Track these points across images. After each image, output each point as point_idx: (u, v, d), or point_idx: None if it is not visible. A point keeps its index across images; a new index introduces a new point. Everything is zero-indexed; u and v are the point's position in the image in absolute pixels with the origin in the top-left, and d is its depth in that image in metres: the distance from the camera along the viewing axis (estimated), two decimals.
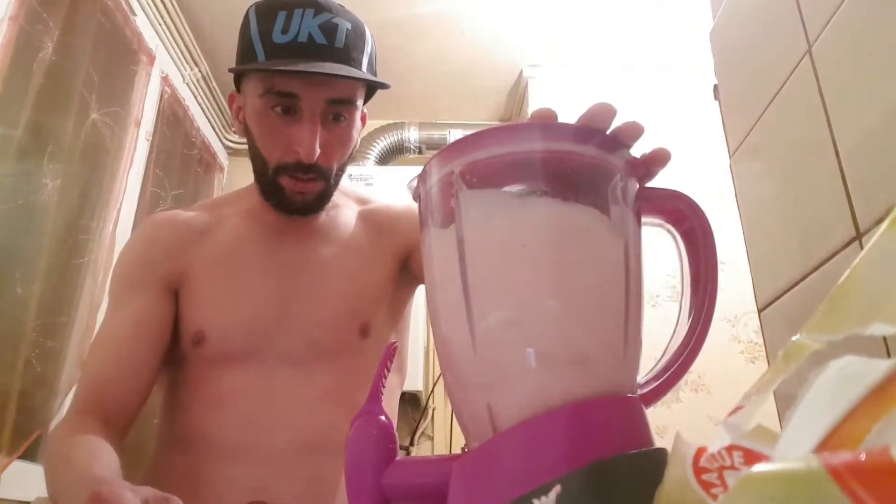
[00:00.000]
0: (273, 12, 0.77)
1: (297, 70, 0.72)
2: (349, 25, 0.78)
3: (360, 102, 0.79)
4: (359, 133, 0.82)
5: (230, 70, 0.83)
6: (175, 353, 0.78)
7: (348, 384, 0.77)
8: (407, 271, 0.86)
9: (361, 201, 0.92)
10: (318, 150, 0.74)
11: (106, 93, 1.67)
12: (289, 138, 0.74)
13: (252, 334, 0.76)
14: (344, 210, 0.88)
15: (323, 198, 0.79)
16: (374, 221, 0.87)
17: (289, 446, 0.74)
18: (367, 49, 0.80)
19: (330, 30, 0.76)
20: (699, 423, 1.79)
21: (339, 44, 0.75)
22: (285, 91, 0.74)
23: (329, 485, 0.75)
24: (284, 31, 0.75)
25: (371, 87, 0.81)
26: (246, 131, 0.81)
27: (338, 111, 0.76)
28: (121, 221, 1.72)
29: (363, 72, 0.78)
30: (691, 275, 0.37)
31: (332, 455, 0.74)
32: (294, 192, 0.77)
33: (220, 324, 0.76)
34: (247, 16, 0.84)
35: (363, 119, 0.85)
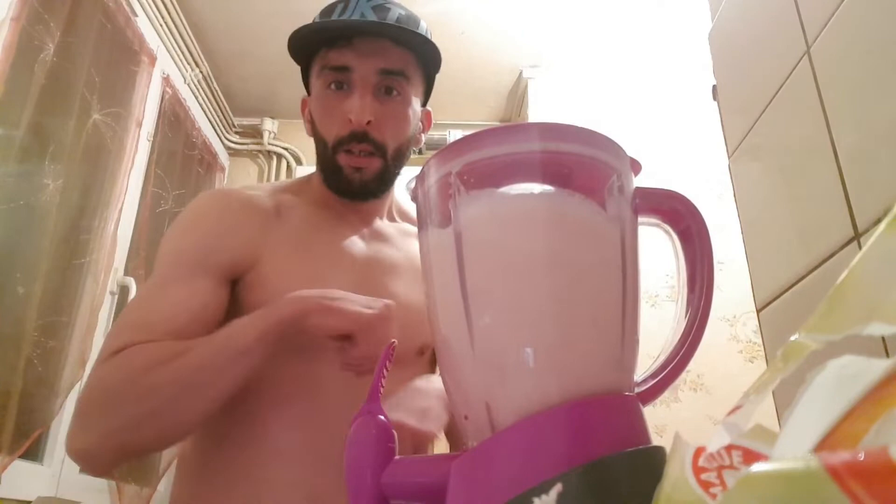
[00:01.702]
0: (331, 7, 0.80)
1: (342, 25, 0.74)
2: (403, 11, 0.79)
3: (415, 80, 0.80)
4: (417, 119, 0.82)
5: (296, 60, 0.83)
6: None
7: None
8: None
9: (408, 216, 0.92)
10: (368, 116, 0.75)
11: (107, 93, 1.67)
12: (343, 112, 0.76)
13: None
14: (408, 228, 0.88)
15: (381, 179, 0.79)
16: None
17: (334, 449, 0.71)
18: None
19: (382, 9, 0.77)
20: (698, 423, 1.79)
21: (391, 21, 0.77)
22: (338, 64, 0.76)
23: None
24: (339, 16, 0.77)
25: (429, 82, 0.84)
26: (312, 126, 0.82)
27: (390, 83, 0.77)
28: (122, 222, 1.72)
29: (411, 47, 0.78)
30: (688, 274, 0.37)
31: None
32: (351, 168, 0.77)
33: None
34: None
35: (428, 118, 0.87)
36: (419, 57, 0.81)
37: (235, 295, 0.75)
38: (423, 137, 0.87)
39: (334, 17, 0.77)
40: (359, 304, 0.65)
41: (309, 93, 0.84)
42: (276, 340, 0.64)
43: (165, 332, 0.67)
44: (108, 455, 0.68)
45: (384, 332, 0.64)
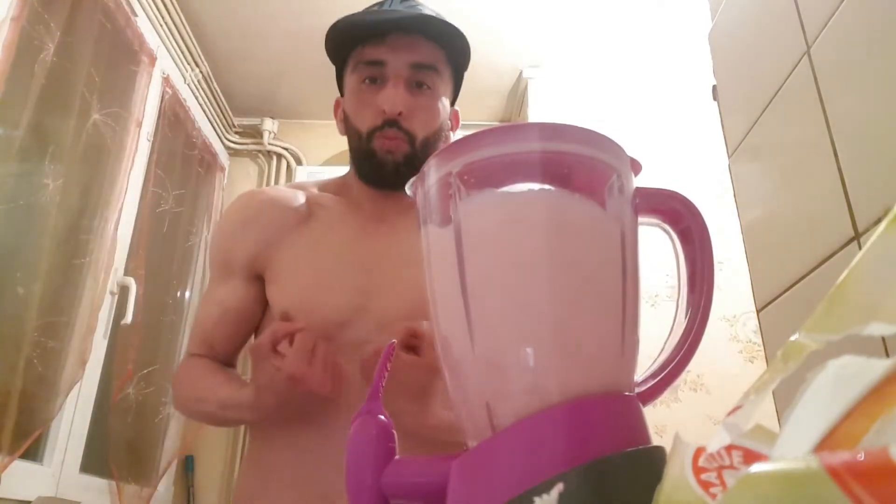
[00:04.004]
0: (368, 9, 0.85)
1: (377, 21, 0.80)
2: (434, 11, 0.84)
3: (445, 77, 0.85)
4: (446, 114, 0.86)
5: (332, 59, 0.89)
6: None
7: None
8: None
9: None
10: (400, 107, 0.79)
11: (107, 93, 1.67)
12: (376, 103, 0.80)
13: (332, 322, 0.77)
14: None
15: (411, 165, 0.81)
16: None
17: None
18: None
19: (413, 8, 0.82)
20: (698, 423, 1.79)
21: (431, 14, 0.81)
22: (372, 59, 0.81)
23: None
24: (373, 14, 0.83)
25: (457, 80, 0.88)
26: (345, 124, 0.86)
27: (421, 78, 0.82)
28: (122, 222, 1.72)
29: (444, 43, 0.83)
30: (688, 274, 0.37)
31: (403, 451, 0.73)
32: (383, 151, 0.80)
33: (306, 307, 0.77)
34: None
35: (456, 118, 0.90)
36: (449, 53, 0.84)
37: (266, 288, 0.84)
38: (452, 136, 0.89)
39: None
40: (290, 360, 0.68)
41: (342, 93, 0.88)
42: (271, 413, 0.75)
43: (203, 339, 0.86)
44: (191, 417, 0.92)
45: (319, 351, 0.68)
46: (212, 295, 0.86)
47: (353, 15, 0.82)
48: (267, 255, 0.82)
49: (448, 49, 0.84)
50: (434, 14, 0.82)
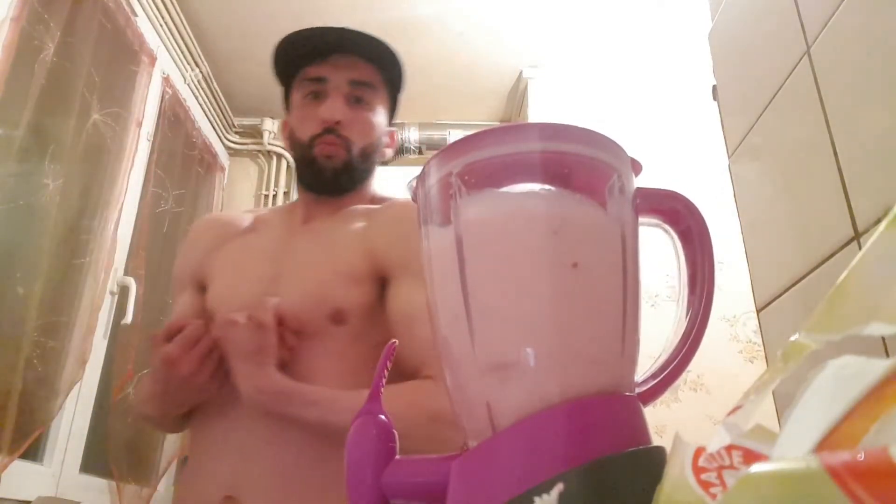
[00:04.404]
0: (309, 28, 0.94)
1: (315, 33, 0.89)
2: (373, 34, 0.91)
3: (381, 95, 0.93)
4: (382, 129, 0.93)
5: (280, 80, 0.97)
6: None
7: (318, 367, 0.79)
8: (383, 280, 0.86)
9: (378, 201, 0.96)
10: (339, 116, 0.87)
11: (107, 93, 1.67)
12: (318, 115, 0.88)
13: (243, 309, 0.81)
14: (357, 209, 0.93)
15: (348, 172, 0.89)
16: (369, 217, 0.90)
17: (255, 433, 0.77)
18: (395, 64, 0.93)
19: (354, 29, 0.91)
20: (698, 423, 1.79)
21: (366, 34, 0.90)
22: (315, 76, 0.90)
23: (290, 475, 0.75)
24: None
25: (393, 101, 0.97)
26: (290, 139, 0.94)
27: (359, 93, 0.90)
28: (122, 222, 1.72)
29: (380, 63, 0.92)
30: (688, 274, 0.37)
31: (295, 443, 0.75)
32: (323, 156, 0.88)
33: (223, 302, 0.85)
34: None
35: (392, 137, 0.99)
36: (385, 74, 0.93)
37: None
38: (389, 153, 0.98)
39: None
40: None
41: (289, 111, 0.96)
42: (165, 404, 0.83)
43: None
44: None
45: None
46: (172, 311, 0.94)
47: (297, 33, 0.90)
48: (205, 267, 0.90)
49: (384, 70, 0.93)
50: (372, 36, 0.90)
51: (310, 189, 0.92)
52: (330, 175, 0.88)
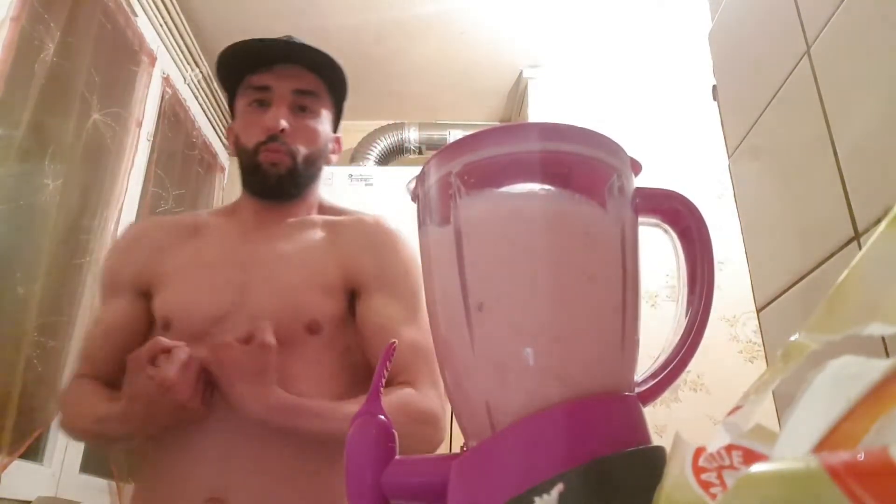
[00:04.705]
0: (253, 39, 0.94)
1: (260, 44, 0.90)
2: (316, 47, 0.92)
3: (326, 103, 0.94)
4: (327, 136, 0.95)
5: (224, 87, 0.98)
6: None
7: (291, 375, 0.79)
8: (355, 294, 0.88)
9: (338, 212, 0.99)
10: (283, 123, 0.88)
11: (107, 93, 1.67)
12: (263, 122, 0.89)
13: (209, 319, 0.82)
14: (314, 219, 0.96)
15: (293, 178, 0.90)
16: (334, 229, 0.93)
17: (236, 437, 0.77)
18: (338, 74, 0.94)
19: (298, 41, 0.93)
20: (698, 423, 1.79)
21: (308, 45, 0.91)
22: (259, 84, 0.91)
23: (275, 474, 0.77)
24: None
25: (338, 109, 0.98)
26: (236, 143, 0.94)
27: (303, 102, 0.91)
28: (122, 221, 1.72)
29: (324, 74, 0.92)
30: (688, 274, 0.37)
31: (276, 444, 0.76)
32: (268, 163, 0.89)
33: (184, 309, 0.84)
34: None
35: (338, 143, 1.00)
36: (328, 83, 0.95)
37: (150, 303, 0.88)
38: (335, 158, 0.99)
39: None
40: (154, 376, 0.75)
41: (234, 118, 0.97)
42: (140, 425, 0.79)
43: (87, 358, 0.88)
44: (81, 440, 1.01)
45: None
46: (99, 316, 0.91)
47: (241, 43, 0.91)
48: (151, 270, 0.88)
49: (327, 80, 0.94)
50: (315, 48, 0.91)
51: (256, 195, 0.93)
52: (275, 181, 0.89)
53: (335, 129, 0.99)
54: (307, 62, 0.92)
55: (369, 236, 0.91)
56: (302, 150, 0.90)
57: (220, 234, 0.92)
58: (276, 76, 0.91)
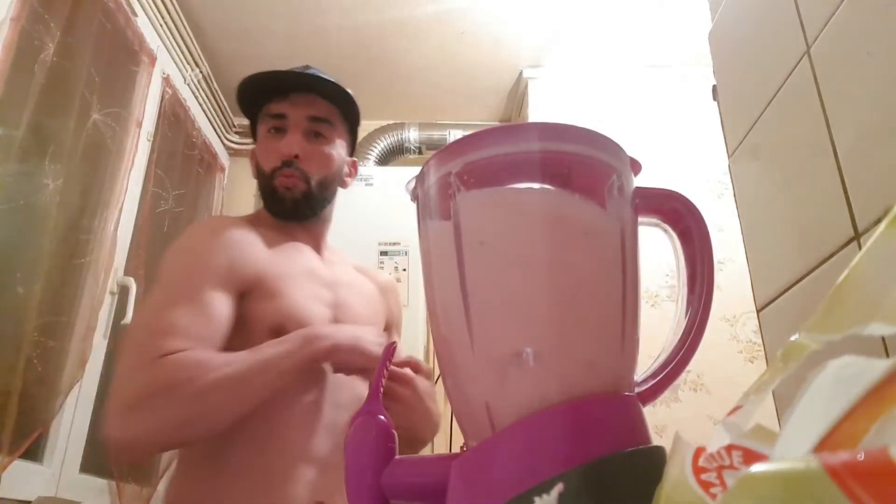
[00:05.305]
0: (274, 71, 0.98)
1: (279, 75, 0.95)
2: (333, 77, 0.98)
3: (340, 129, 1.00)
4: (342, 161, 1.01)
5: (246, 115, 1.03)
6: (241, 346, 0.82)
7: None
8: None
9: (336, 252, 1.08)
10: (296, 150, 0.94)
11: (107, 93, 1.67)
12: (278, 148, 0.95)
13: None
14: (345, 259, 1.07)
15: (308, 201, 0.96)
16: (375, 280, 1.07)
17: (336, 450, 0.84)
18: (352, 108, 1.00)
19: (315, 72, 0.98)
20: (698, 423, 1.79)
21: (326, 77, 0.97)
22: (276, 112, 0.96)
23: None
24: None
25: (353, 135, 1.04)
26: (257, 167, 0.99)
27: (317, 129, 0.97)
28: (122, 222, 1.72)
29: (336, 104, 0.98)
30: (688, 274, 0.37)
31: None
32: (283, 187, 0.94)
33: (298, 318, 0.86)
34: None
35: (354, 167, 1.05)
36: (342, 111, 1.00)
37: (243, 306, 0.87)
38: (350, 181, 1.05)
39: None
40: (375, 343, 0.85)
41: (256, 144, 1.01)
42: (308, 369, 0.83)
43: (202, 339, 0.79)
44: (153, 447, 0.90)
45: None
46: (202, 304, 0.81)
47: (260, 74, 0.96)
48: (256, 273, 0.88)
49: (341, 107, 0.99)
50: (330, 78, 0.97)
51: (275, 216, 0.98)
52: (290, 205, 0.95)
53: (351, 154, 1.05)
54: (321, 90, 0.97)
55: (396, 294, 1.11)
56: (315, 175, 0.95)
57: (278, 248, 0.94)
58: (292, 104, 0.96)
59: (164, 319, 0.78)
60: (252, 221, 0.98)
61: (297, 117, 0.95)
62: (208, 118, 2.40)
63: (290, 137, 0.94)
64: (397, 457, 0.36)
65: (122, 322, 1.70)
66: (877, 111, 0.55)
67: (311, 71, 0.99)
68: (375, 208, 2.18)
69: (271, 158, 0.95)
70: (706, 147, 2.07)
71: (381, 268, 2.14)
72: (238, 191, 2.61)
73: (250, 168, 1.04)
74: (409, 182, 0.38)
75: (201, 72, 2.25)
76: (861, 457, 0.14)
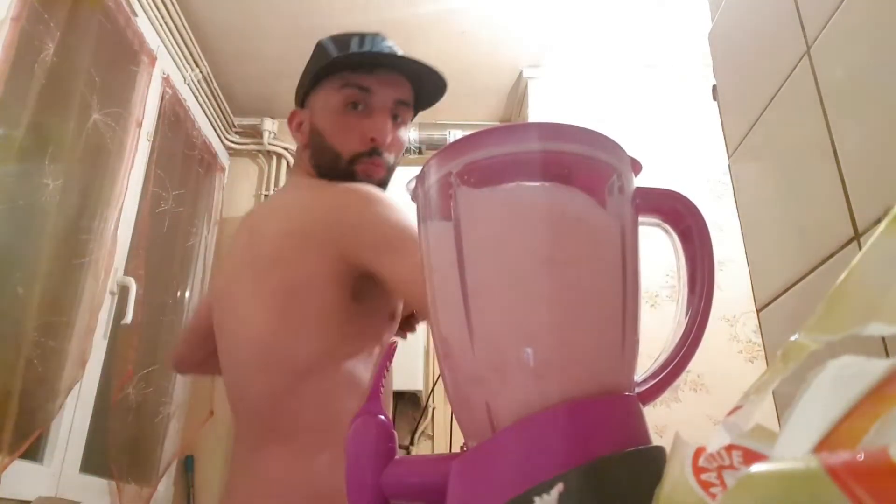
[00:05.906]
0: (347, 37, 0.91)
1: (378, 56, 0.87)
2: (417, 58, 0.91)
3: (412, 112, 0.94)
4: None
5: (303, 82, 0.94)
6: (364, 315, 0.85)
7: None
8: None
9: None
10: (389, 137, 0.88)
11: (107, 93, 1.67)
12: (363, 130, 0.87)
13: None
14: None
15: (382, 186, 0.90)
16: None
17: None
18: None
19: (395, 50, 0.91)
20: (698, 423, 1.79)
21: (425, 63, 0.89)
22: (363, 85, 0.87)
23: None
24: (360, 45, 0.89)
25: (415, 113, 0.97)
26: (311, 137, 0.92)
27: (399, 112, 0.91)
28: (122, 222, 1.72)
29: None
30: (688, 274, 0.37)
31: None
32: (365, 175, 0.88)
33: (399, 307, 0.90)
34: (319, 45, 0.94)
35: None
36: (418, 96, 0.94)
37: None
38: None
39: (353, 48, 0.88)
40: None
41: (302, 106, 0.95)
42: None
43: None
44: None
45: None
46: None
47: (350, 36, 0.89)
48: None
49: (419, 92, 0.93)
50: (418, 60, 0.89)
51: None
52: None
53: None
54: (408, 72, 0.90)
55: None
56: (393, 162, 0.92)
57: None
58: (379, 81, 0.88)
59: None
60: None
61: (384, 97, 0.88)
62: (208, 118, 2.40)
63: (382, 122, 0.88)
64: (397, 457, 0.36)
65: (122, 322, 1.70)
66: (877, 111, 0.55)
67: (392, 45, 0.91)
68: None
69: (353, 139, 0.88)
70: (706, 147, 2.07)
71: None
72: (238, 191, 2.61)
73: (290, 132, 0.96)
74: (409, 182, 0.38)
75: (201, 72, 2.25)
76: (861, 457, 0.14)
